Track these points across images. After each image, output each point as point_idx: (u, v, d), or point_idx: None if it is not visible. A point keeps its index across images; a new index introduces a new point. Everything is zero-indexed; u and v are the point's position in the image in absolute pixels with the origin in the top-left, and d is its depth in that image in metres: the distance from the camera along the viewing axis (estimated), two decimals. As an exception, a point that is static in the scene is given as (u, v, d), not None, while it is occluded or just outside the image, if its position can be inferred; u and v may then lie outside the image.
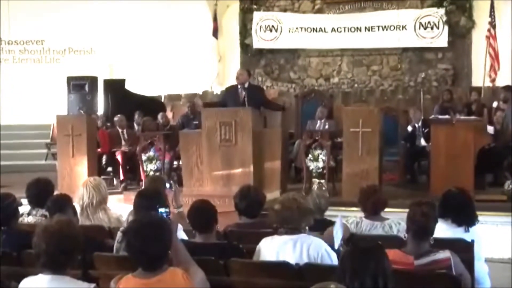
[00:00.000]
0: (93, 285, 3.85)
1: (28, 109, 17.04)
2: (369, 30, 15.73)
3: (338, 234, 4.82)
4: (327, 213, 6.50)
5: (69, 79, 15.31)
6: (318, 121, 11.88)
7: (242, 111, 10.03)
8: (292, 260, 4.46)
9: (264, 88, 14.92)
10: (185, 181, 10.49)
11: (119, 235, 5.19)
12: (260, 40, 16.65)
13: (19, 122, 16.84)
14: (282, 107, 11.97)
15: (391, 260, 3.49)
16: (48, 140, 14.81)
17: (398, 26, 15.47)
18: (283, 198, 4.80)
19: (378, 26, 15.62)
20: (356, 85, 16.31)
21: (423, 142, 11.33)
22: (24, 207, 6.30)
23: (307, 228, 4.72)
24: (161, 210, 4.15)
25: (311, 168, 10.09)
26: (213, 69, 17.30)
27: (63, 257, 3.82)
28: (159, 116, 13.37)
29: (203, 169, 10.20)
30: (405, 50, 15.85)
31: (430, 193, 9.15)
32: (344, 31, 15.93)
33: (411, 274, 4.13)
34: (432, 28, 15.22)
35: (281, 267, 4.43)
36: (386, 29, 15.58)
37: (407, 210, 4.58)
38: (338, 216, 5.26)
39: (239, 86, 10.68)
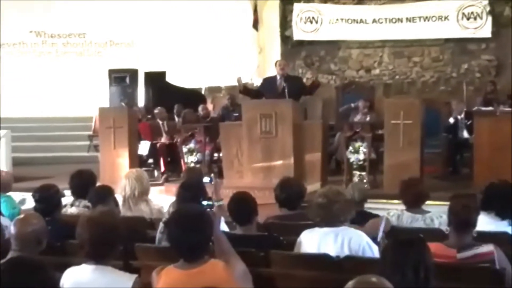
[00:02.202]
0: (135, 275, 3.88)
1: (70, 102, 17.21)
2: (410, 21, 15.57)
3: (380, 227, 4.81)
4: (368, 205, 6.47)
5: (111, 72, 15.44)
6: (359, 113, 11.80)
7: (282, 103, 10.02)
8: (333, 253, 4.45)
9: (305, 80, 14.85)
10: (225, 173, 10.52)
11: (160, 226, 5.23)
12: (300, 32, 16.58)
13: (62, 115, 17.02)
14: (317, 83, 11.56)
15: (432, 253, 3.46)
16: (90, 132, 14.94)
17: (440, 17, 15.28)
18: (327, 191, 4.77)
19: (420, 17, 15.44)
20: (397, 76, 16.16)
21: (465, 134, 11.19)
22: (67, 198, 6.39)
23: (349, 220, 4.70)
24: (204, 202, 4.17)
25: (351, 160, 10.03)
26: (253, 61, 17.28)
27: (106, 248, 3.86)
28: (200, 108, 13.40)
29: (244, 161, 10.22)
30: (447, 41, 15.64)
31: (473, 186, 9.05)
32: (385, 22, 15.78)
33: (453, 267, 4.09)
34: (475, 18, 15.00)
35: (322, 259, 4.42)
36: (428, 20, 15.40)
37: (448, 202, 4.54)
38: (379, 208, 5.24)
39: (278, 77, 10.66)
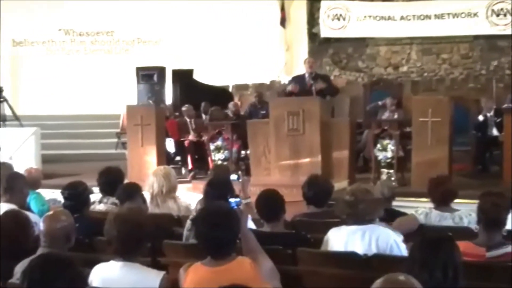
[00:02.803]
0: (162, 272, 3.90)
1: (99, 99, 17.33)
2: (439, 18, 15.46)
3: None
4: (396, 203, 6.43)
5: (138, 70, 15.52)
6: (387, 110, 11.75)
7: (309, 101, 10.01)
8: (360, 251, 4.43)
9: (332, 77, 14.82)
10: (253, 170, 10.54)
11: (188, 223, 5.24)
12: (327, 29, 16.53)
13: (90, 112, 17.15)
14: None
15: (461, 252, 3.43)
16: (118, 130, 15.03)
17: (469, 13, 15.16)
18: (355, 189, 4.75)
19: (449, 14, 15.33)
20: (425, 73, 16.06)
21: (495, 131, 11.08)
22: (96, 195, 6.42)
23: (377, 219, 4.68)
24: (232, 200, 4.17)
25: (379, 158, 9.99)
26: (280, 59, 17.27)
27: (133, 245, 3.88)
28: (230, 105, 13.40)
29: (271, 158, 10.22)
30: (476, 37, 15.51)
31: (502, 184, 8.98)
32: (414, 19, 15.69)
33: (482, 266, 4.05)
34: (505, 15, 14.85)
35: (349, 257, 4.40)
36: (457, 17, 15.29)
37: (478, 201, 4.50)
38: (406, 206, 5.21)
39: (306, 75, 10.65)
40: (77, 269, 3.03)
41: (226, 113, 13.15)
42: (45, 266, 2.99)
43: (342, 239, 4.58)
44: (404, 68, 16.32)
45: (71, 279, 2.97)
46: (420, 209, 5.73)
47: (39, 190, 7.48)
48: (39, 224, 4.51)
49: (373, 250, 4.44)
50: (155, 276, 3.83)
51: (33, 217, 5.25)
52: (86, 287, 3.74)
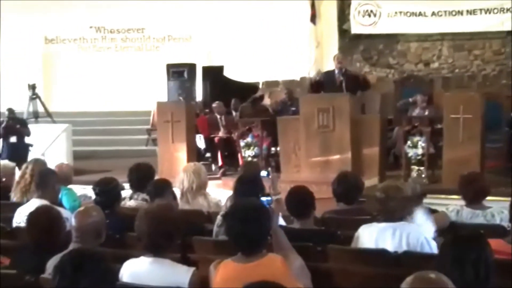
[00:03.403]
0: (192, 268, 3.91)
1: (129, 96, 17.44)
2: (470, 14, 15.31)
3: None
4: (427, 200, 6.39)
5: (169, 66, 15.57)
6: (418, 107, 11.66)
7: (340, 97, 9.99)
8: (391, 248, 4.42)
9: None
10: (282, 167, 10.53)
11: (218, 219, 5.26)
12: (358, 25, 16.45)
13: (121, 109, 17.26)
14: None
15: (493, 249, 3.40)
16: (149, 126, 15.10)
17: (501, 9, 14.98)
18: (387, 186, 4.73)
19: (481, 9, 15.17)
20: (456, 70, 15.92)
21: (528, 128, 10.98)
22: (126, 191, 6.47)
23: (407, 216, 4.65)
24: (263, 198, 4.17)
25: (409, 155, 9.92)
26: (310, 55, 17.22)
27: (164, 240, 3.90)
28: (272, 101, 13.43)
29: (301, 155, 10.21)
30: (509, 33, 15.33)
31: (535, 182, 8.87)
32: (445, 15, 15.55)
33: (515, 264, 4.01)
34: (538, 10, 14.69)
35: (379, 254, 4.39)
36: (489, 12, 15.12)
37: (510, 198, 4.46)
38: (437, 203, 5.17)
39: (336, 71, 10.62)
40: (107, 264, 3.06)
41: (266, 107, 13.17)
42: (76, 261, 3.02)
43: (373, 236, 4.56)
44: (435, 65, 16.19)
45: (102, 274, 2.99)
46: (451, 206, 5.70)
47: (70, 186, 7.55)
48: (71, 219, 4.55)
49: (404, 248, 4.42)
50: (185, 272, 3.85)
51: (64, 212, 5.30)
52: (117, 282, 3.77)
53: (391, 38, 16.54)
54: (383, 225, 4.57)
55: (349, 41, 16.80)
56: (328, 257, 4.56)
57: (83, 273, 2.95)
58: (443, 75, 15.82)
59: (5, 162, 8.88)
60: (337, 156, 9.85)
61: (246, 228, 3.65)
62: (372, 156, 9.96)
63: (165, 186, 5.83)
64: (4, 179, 8.07)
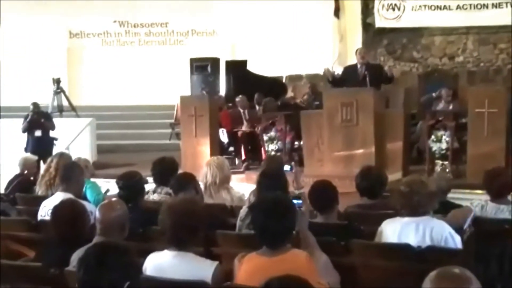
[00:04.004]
0: (216, 262, 3.92)
1: (153, 90, 17.50)
2: (496, 7, 15.16)
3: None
4: (451, 195, 6.36)
5: (192, 61, 15.59)
6: (442, 101, 11.59)
7: (363, 91, 9.95)
8: (414, 243, 4.40)
9: (386, 68, 14.66)
10: (306, 161, 10.51)
11: (241, 213, 5.26)
12: (382, 19, 16.37)
13: (145, 103, 17.33)
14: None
15: (518, 245, 3.37)
16: (172, 120, 15.15)
17: (528, 2, 14.85)
18: (411, 180, 4.71)
19: (506, 3, 15.02)
20: (482, 64, 15.79)
21: (555, 123, 10.85)
22: (150, 185, 6.49)
23: (431, 211, 4.63)
24: (294, 201, 4.15)
25: (433, 149, 9.87)
26: (334, 49, 17.17)
27: (187, 234, 3.90)
28: (304, 94, 13.47)
29: (324, 149, 10.18)
30: (535, 27, 15.20)
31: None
32: (470, 8, 15.42)
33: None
34: None
35: (403, 249, 4.37)
36: (515, 5, 14.98)
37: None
38: (461, 198, 5.14)
39: (358, 65, 10.59)
40: (131, 257, 3.07)
41: (295, 102, 13.17)
42: (100, 254, 3.03)
43: (396, 231, 4.54)
44: (460, 58, 16.07)
45: (126, 267, 3.00)
46: (476, 201, 5.65)
47: (93, 180, 7.60)
48: (95, 213, 4.58)
49: (427, 242, 4.40)
50: (209, 266, 3.86)
51: (88, 206, 5.33)
52: (140, 275, 3.79)
53: (415, 32, 16.44)
54: (406, 219, 4.55)
55: (373, 35, 16.72)
56: (351, 252, 4.55)
57: (106, 266, 2.97)
58: (468, 69, 15.70)
59: (27, 155, 8.99)
60: (360, 151, 9.82)
61: (271, 221, 3.65)
62: (396, 150, 9.92)
63: (188, 180, 5.83)
64: (26, 172, 8.15)
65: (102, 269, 2.94)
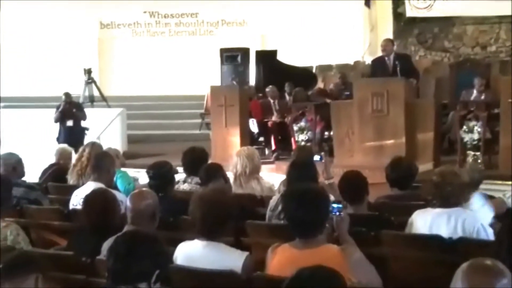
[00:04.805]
0: (246, 253, 3.92)
1: (183, 80, 17.56)
2: (530, -4, 14.97)
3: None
4: (483, 186, 6.29)
5: (222, 51, 15.61)
6: (474, 91, 11.47)
7: (394, 82, 9.89)
8: (445, 234, 4.36)
9: (417, 58, 14.59)
10: (336, 151, 10.48)
11: (271, 203, 5.26)
12: (413, 9, 16.23)
13: (175, 93, 17.39)
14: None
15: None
16: (202, 111, 15.19)
17: (562, -9, 14.62)
18: (444, 170, 4.67)
19: (540, -8, 14.83)
20: (514, 53, 15.62)
21: None
22: (180, 175, 6.51)
23: (463, 202, 4.59)
24: (334, 205, 4.12)
25: (465, 140, 9.78)
26: (365, 39, 17.09)
27: (218, 225, 3.91)
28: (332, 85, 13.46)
29: (354, 139, 10.14)
30: None
31: None
32: (503, -4, 15.24)
33: None
34: None
35: (434, 240, 4.34)
36: (549, -6, 14.76)
37: None
38: (493, 189, 5.09)
39: (386, 57, 10.49)
40: (161, 246, 3.07)
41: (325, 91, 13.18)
42: (130, 243, 3.04)
43: (427, 222, 4.51)
44: (493, 48, 15.91)
45: (155, 256, 3.01)
46: (508, 192, 5.60)
47: (124, 169, 7.64)
48: (125, 202, 4.60)
49: (459, 234, 4.36)
50: (239, 256, 3.86)
51: (119, 195, 5.37)
52: (170, 264, 3.81)
53: (447, 21, 16.29)
54: (438, 210, 4.52)
55: (404, 24, 16.61)
56: (381, 243, 4.53)
57: (136, 254, 2.97)
58: (500, 59, 15.51)
59: (64, 146, 9.06)
60: (391, 141, 9.77)
61: (302, 211, 3.64)
62: (427, 141, 9.85)
63: (216, 170, 5.84)
64: (61, 161, 8.22)
65: (132, 258, 2.95)
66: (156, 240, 3.10)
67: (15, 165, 6.51)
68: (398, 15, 16.63)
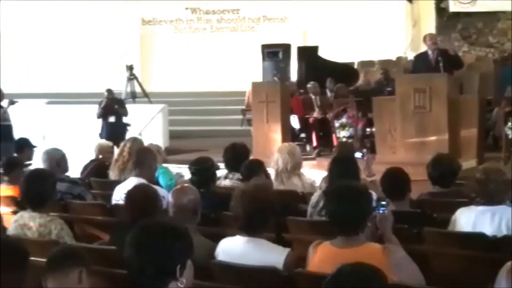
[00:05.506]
0: (288, 249, 3.91)
1: (224, 77, 17.60)
2: None
3: None
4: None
5: (264, 47, 15.61)
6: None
7: (437, 77, 9.79)
8: (489, 232, 4.31)
9: (461, 53, 14.41)
10: (378, 148, 10.42)
11: (313, 199, 5.25)
12: (456, 4, 16.08)
13: (216, 89, 17.44)
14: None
15: None
16: (244, 107, 15.21)
17: None
18: (488, 167, 4.62)
19: None
20: (561, 48, 15.37)
21: None
22: (221, 171, 6.53)
23: (508, 200, 4.53)
24: (378, 203, 4.07)
25: (510, 136, 9.66)
26: (407, 35, 16.96)
27: (259, 221, 3.91)
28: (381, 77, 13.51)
29: (397, 136, 10.07)
30: None
31: None
32: (548, -9, 15.00)
33: None
34: None
35: (477, 238, 4.29)
36: None
37: None
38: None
39: (429, 52, 10.38)
40: (186, 240, 2.92)
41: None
42: (156, 234, 2.91)
43: (471, 219, 4.46)
44: (538, 43, 15.68)
45: (179, 249, 2.87)
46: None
47: (166, 165, 7.67)
48: (167, 197, 4.63)
49: (503, 232, 4.31)
50: (281, 252, 3.85)
51: (161, 191, 5.39)
52: (212, 260, 3.82)
53: (491, 16, 16.09)
54: (481, 208, 4.46)
55: (447, 19, 16.44)
56: (423, 240, 4.49)
57: (148, 250, 2.84)
58: (545, 54, 15.29)
59: (103, 141, 9.15)
60: (433, 138, 9.67)
61: (344, 207, 3.62)
62: (470, 137, 9.74)
63: (257, 166, 5.85)
64: (100, 156, 8.31)
65: (151, 250, 2.84)
66: (185, 233, 2.93)
67: (59, 160, 6.58)
68: (441, 10, 16.48)
